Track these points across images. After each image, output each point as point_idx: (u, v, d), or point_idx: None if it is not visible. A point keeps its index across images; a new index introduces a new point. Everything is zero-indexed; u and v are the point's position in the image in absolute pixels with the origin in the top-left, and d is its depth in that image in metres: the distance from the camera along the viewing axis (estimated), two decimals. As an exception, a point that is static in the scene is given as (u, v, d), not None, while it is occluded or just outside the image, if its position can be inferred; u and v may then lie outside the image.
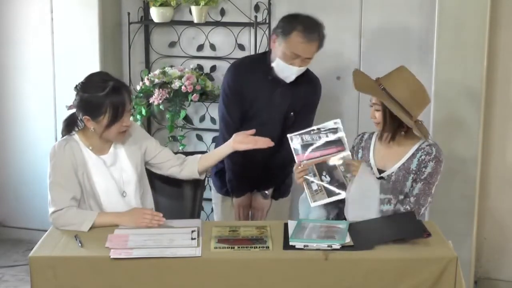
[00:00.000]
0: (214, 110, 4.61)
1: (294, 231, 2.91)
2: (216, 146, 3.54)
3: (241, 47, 4.53)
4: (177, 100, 4.38)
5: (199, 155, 3.36)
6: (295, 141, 3.15)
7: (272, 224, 3.08)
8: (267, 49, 4.36)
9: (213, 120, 4.64)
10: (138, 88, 4.47)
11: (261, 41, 4.39)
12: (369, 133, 3.32)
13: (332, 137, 3.15)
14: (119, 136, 3.16)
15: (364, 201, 3.05)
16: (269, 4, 4.42)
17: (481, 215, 4.18)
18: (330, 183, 3.12)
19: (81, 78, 3.14)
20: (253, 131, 3.26)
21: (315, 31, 3.36)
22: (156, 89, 4.37)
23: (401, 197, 3.08)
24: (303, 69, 3.43)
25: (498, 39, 4.05)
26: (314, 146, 3.14)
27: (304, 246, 2.81)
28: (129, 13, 4.54)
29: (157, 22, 4.51)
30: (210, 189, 3.96)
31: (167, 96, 4.36)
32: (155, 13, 4.47)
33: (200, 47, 4.62)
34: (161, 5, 4.45)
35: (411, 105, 3.10)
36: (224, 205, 3.79)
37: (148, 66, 4.69)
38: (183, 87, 4.31)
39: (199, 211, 3.60)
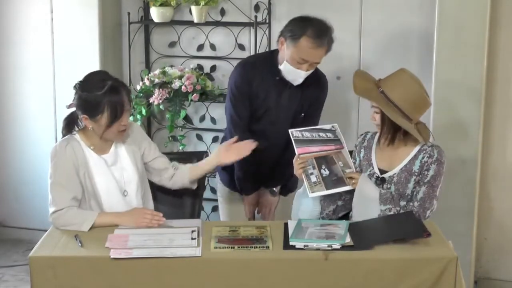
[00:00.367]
0: (214, 110, 4.61)
1: (294, 231, 2.91)
2: None
3: (241, 47, 4.53)
4: (177, 100, 4.37)
5: (189, 165, 3.38)
6: (295, 135, 3.21)
7: (272, 224, 3.08)
8: (267, 49, 4.37)
9: (213, 120, 4.63)
10: (138, 88, 4.46)
11: (261, 41, 4.38)
12: (372, 132, 3.31)
13: (331, 136, 3.23)
14: (119, 135, 3.16)
15: (367, 213, 3.07)
16: (269, 4, 4.41)
17: (481, 215, 4.18)
18: (328, 176, 3.15)
19: (81, 78, 3.14)
20: (235, 138, 3.35)
21: (324, 36, 3.33)
22: (156, 89, 4.36)
23: (403, 203, 3.09)
24: (310, 72, 3.42)
25: (498, 39, 4.05)
26: (314, 141, 3.20)
27: (304, 246, 2.81)
28: (129, 13, 4.54)
29: (157, 22, 4.50)
30: (210, 189, 3.96)
31: (167, 96, 4.36)
32: (155, 13, 4.46)
33: (200, 47, 4.62)
34: (161, 5, 4.45)
35: (410, 109, 3.09)
36: (232, 199, 3.77)
37: (148, 66, 4.69)
38: (183, 87, 4.31)
39: (199, 211, 3.60)
